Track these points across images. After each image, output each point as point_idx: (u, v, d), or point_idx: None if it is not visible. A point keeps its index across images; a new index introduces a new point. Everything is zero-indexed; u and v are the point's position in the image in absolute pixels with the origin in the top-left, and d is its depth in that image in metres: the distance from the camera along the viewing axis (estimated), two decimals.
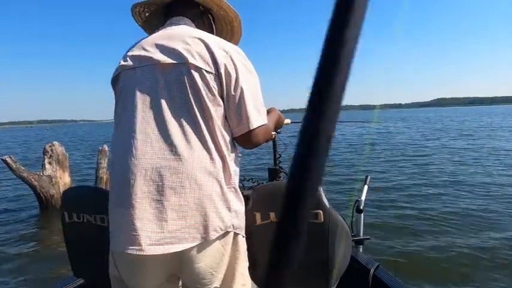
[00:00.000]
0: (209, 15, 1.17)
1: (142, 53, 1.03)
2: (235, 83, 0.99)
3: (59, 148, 6.47)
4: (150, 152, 0.94)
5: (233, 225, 1.01)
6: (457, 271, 3.27)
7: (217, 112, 0.99)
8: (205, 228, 0.94)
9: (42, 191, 6.14)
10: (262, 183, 1.88)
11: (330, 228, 1.28)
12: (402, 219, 4.75)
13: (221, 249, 0.99)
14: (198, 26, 1.11)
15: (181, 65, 0.97)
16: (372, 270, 1.57)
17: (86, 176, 9.29)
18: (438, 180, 7.02)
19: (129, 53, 1.06)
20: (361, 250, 1.94)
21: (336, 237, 1.29)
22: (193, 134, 0.95)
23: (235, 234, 1.03)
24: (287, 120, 1.74)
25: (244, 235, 1.09)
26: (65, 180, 6.52)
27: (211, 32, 1.16)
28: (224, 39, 1.13)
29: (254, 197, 1.33)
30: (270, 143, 2.20)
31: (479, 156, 9.91)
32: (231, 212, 1.00)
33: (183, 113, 0.96)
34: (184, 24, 1.08)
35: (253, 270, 1.39)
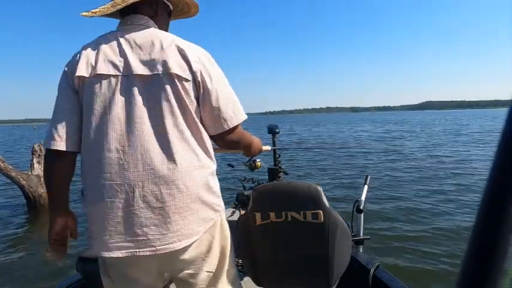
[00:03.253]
0: (160, 0, 1.16)
1: (118, 60, 1.02)
2: (209, 88, 1.05)
3: None
4: (141, 163, 0.97)
5: (220, 209, 1.11)
6: (457, 271, 3.29)
7: (197, 115, 1.05)
8: (203, 221, 1.05)
9: (31, 190, 6.07)
10: (262, 183, 1.87)
11: (330, 228, 1.27)
12: (403, 219, 4.78)
13: (209, 237, 1.09)
14: (156, 19, 1.13)
15: (163, 75, 1.00)
16: (372, 270, 1.56)
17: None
18: (441, 181, 7.06)
19: (99, 56, 1.02)
20: (361, 250, 1.93)
21: (335, 237, 1.28)
22: (180, 139, 1.01)
23: (220, 216, 1.13)
24: (267, 147, 1.80)
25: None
26: None
27: (168, 12, 1.20)
28: (182, 10, 1.26)
29: (254, 197, 1.32)
30: (271, 143, 2.20)
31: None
32: (218, 198, 1.11)
33: (169, 121, 1.00)
34: (146, 26, 1.08)
35: (254, 269, 1.38)
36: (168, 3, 1.19)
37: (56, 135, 1.01)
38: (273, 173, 2.19)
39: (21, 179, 6.00)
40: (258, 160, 1.85)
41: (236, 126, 1.12)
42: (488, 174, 0.25)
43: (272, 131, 2.17)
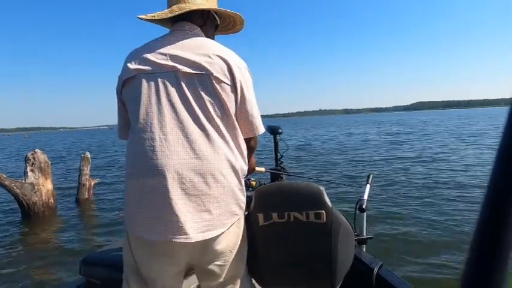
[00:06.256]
0: (211, 13, 1.26)
1: (163, 60, 1.10)
2: (246, 96, 1.15)
3: (41, 156, 6.35)
4: (182, 152, 1.04)
5: (244, 208, 1.18)
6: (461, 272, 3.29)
7: (234, 117, 1.14)
8: (231, 215, 1.11)
9: (25, 199, 6.01)
10: (264, 183, 1.86)
11: (333, 227, 1.27)
12: (406, 218, 4.79)
13: (237, 230, 1.18)
14: (204, 29, 1.23)
15: (206, 76, 1.08)
16: (375, 270, 1.55)
17: (69, 183, 9.08)
18: (444, 181, 7.05)
19: (147, 56, 1.12)
20: (364, 249, 1.92)
21: (338, 236, 1.28)
22: (218, 135, 1.09)
23: (243, 213, 1.21)
24: (261, 168, 1.90)
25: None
26: (47, 187, 6.39)
27: (215, 25, 1.30)
28: (227, 26, 1.36)
29: (256, 198, 1.31)
30: (272, 142, 2.19)
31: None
32: (244, 197, 1.18)
33: (209, 117, 1.08)
34: (195, 33, 1.18)
35: (257, 270, 1.36)
36: (217, 18, 1.29)
37: (118, 131, 1.30)
38: (275, 174, 2.17)
39: (15, 188, 5.93)
40: (252, 179, 1.89)
41: (257, 136, 1.24)
42: (490, 175, 0.25)
43: (275, 131, 2.16)
